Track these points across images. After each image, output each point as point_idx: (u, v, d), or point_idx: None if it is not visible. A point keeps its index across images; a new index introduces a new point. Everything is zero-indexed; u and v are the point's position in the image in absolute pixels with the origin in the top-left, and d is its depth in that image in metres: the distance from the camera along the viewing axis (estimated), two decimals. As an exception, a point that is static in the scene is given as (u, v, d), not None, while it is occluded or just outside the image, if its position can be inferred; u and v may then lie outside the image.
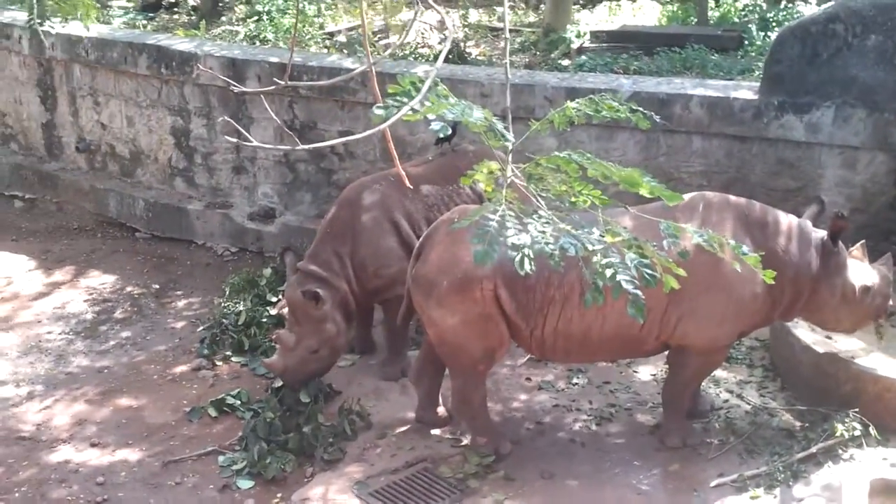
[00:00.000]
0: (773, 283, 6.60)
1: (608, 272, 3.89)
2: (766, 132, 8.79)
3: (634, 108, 4.59)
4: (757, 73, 9.79)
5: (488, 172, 4.28)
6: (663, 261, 4.04)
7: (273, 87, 4.91)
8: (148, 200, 11.87)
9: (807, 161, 8.75)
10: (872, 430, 6.79)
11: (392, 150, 4.34)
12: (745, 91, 9.06)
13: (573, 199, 4.26)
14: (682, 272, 4.13)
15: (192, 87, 11.39)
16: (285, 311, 7.95)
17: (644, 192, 4.26)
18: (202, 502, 7.00)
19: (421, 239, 7.20)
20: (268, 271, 10.02)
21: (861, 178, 8.60)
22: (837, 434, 6.76)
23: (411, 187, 7.38)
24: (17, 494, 7.11)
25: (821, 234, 6.86)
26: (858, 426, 6.79)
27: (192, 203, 11.66)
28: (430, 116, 4.07)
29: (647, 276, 3.94)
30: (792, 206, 8.71)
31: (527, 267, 3.87)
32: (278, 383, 7.92)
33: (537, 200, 4.11)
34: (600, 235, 4.07)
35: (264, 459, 7.17)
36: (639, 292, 3.86)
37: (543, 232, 3.96)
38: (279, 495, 6.96)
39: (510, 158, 4.19)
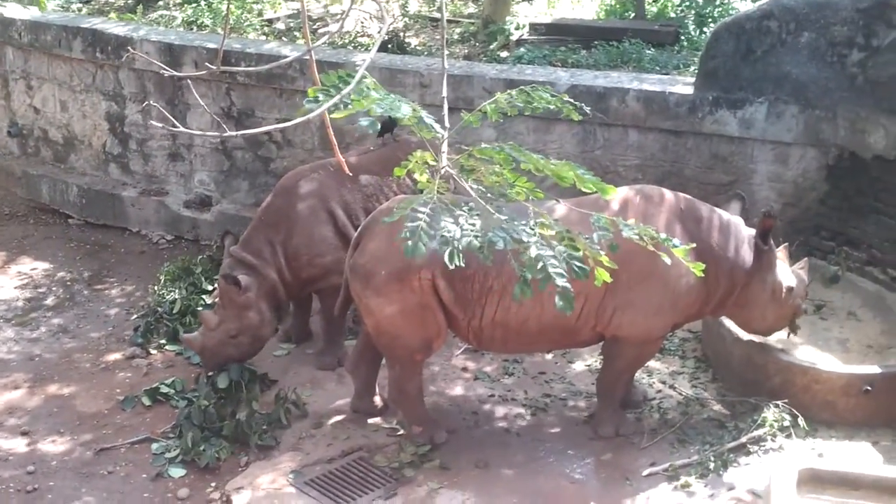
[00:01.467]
0: (706, 276, 6.76)
1: (538, 265, 3.91)
2: (701, 127, 8.91)
3: (566, 99, 4.61)
4: (693, 68, 9.90)
5: (423, 163, 4.28)
6: (595, 254, 4.08)
7: (206, 72, 4.85)
8: (81, 186, 11.70)
9: (740, 156, 8.88)
10: (801, 421, 6.92)
11: (332, 138, 4.34)
12: (681, 86, 9.17)
13: (506, 192, 4.28)
14: (612, 265, 4.17)
15: (127, 71, 11.24)
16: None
17: (579, 185, 4.30)
18: (135, 491, 6.95)
19: (359, 229, 7.19)
20: (203, 259, 9.94)
21: (793, 174, 8.75)
22: (767, 424, 6.89)
23: (351, 175, 7.38)
24: (-55, 483, 7.01)
25: (752, 231, 6.97)
26: (787, 417, 6.93)
27: (126, 190, 11.52)
28: (361, 111, 4.06)
29: (576, 268, 3.97)
30: (725, 199, 8.83)
31: (456, 261, 3.89)
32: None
33: (470, 192, 4.12)
34: (532, 228, 4.09)
35: (198, 447, 7.14)
36: (568, 285, 3.89)
37: (473, 225, 3.98)
38: (213, 484, 6.93)
39: (445, 149, 4.20)
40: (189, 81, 10.15)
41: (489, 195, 4.26)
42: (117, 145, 11.64)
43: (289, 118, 10.33)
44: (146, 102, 11.00)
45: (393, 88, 9.68)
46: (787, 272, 7.08)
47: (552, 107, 4.62)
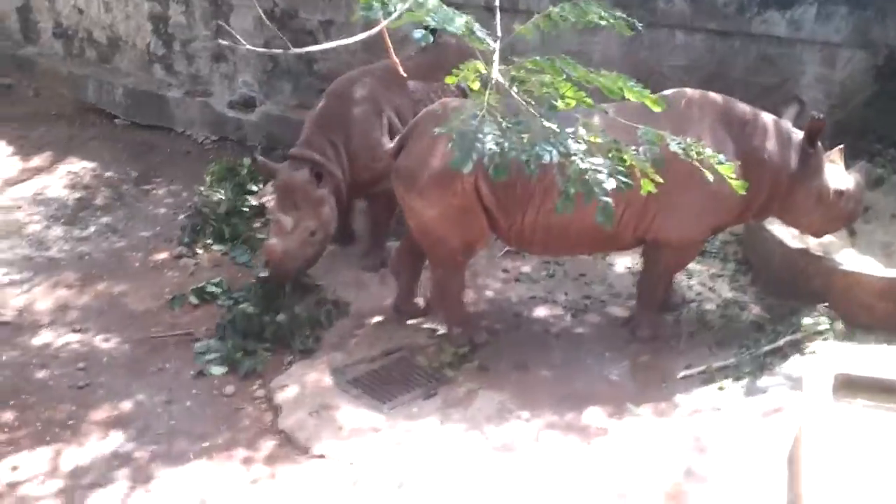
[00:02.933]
0: (749, 180, 6.72)
1: (582, 179, 3.93)
2: (749, 28, 8.76)
3: (618, 14, 4.57)
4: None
5: (475, 71, 4.28)
6: (642, 165, 4.09)
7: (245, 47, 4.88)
8: (126, 87, 11.77)
9: (787, 57, 8.74)
10: (840, 325, 6.93)
11: (388, 44, 4.33)
12: (729, -15, 9.00)
13: (556, 103, 4.27)
14: (659, 179, 4.19)
15: (170, -29, 11.23)
16: (272, 204, 7.94)
17: (628, 95, 4.30)
18: (183, 387, 7.14)
19: (404, 131, 7.21)
20: (248, 160, 10.01)
21: (840, 76, 8.61)
22: (804, 327, 6.90)
23: (405, 76, 7.34)
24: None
25: (800, 134, 6.90)
26: (826, 320, 6.93)
27: (171, 90, 11.57)
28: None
29: (621, 182, 4.00)
30: (771, 102, 8.71)
31: (501, 174, 3.92)
32: (262, 274, 7.97)
33: (520, 103, 4.12)
34: (578, 140, 4.10)
35: (237, 354, 7.28)
36: (609, 200, 3.92)
37: (521, 137, 3.99)
38: (258, 382, 7.10)
39: (496, 59, 4.19)
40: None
41: (539, 106, 4.26)
42: (161, 46, 11.67)
43: (332, 19, 10.37)
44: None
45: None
46: (839, 175, 7.00)
47: (603, 22, 4.57)
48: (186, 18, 11.31)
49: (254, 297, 7.73)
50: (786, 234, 7.38)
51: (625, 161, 4.18)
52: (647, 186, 4.22)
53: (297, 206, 7.52)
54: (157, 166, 10.67)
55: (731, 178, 4.47)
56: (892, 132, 8.38)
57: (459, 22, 4.10)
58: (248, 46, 4.52)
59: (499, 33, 4.31)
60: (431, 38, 4.19)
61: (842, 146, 7.22)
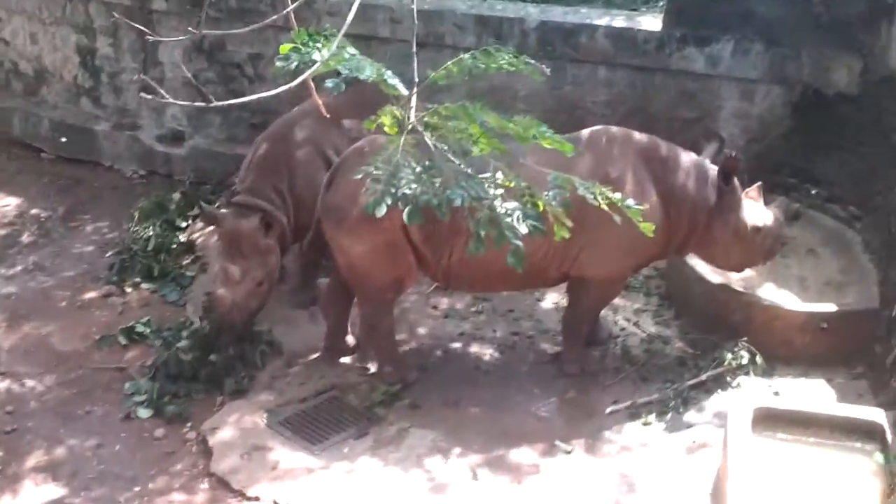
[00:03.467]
0: (669, 216, 6.91)
1: (493, 222, 4.04)
2: (669, 64, 8.97)
3: (528, 61, 4.69)
4: (661, 2, 9.93)
5: (392, 117, 4.37)
6: (554, 210, 4.21)
7: (186, 37, 4.93)
8: (53, 120, 11.68)
9: (706, 92, 8.97)
10: (759, 359, 7.13)
11: (312, 88, 4.41)
12: (650, 22, 9.22)
13: (470, 148, 4.39)
14: (569, 223, 4.30)
15: (97, 4, 11.16)
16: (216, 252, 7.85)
17: (541, 142, 4.42)
18: (112, 430, 7.12)
19: (332, 167, 7.29)
20: (177, 195, 10.01)
21: (758, 110, 8.86)
22: (726, 362, 7.10)
23: (336, 116, 7.40)
24: (-77, 424, 7.16)
25: (714, 174, 7.10)
26: (746, 355, 7.14)
27: (99, 123, 11.51)
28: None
29: (532, 226, 4.11)
30: (691, 135, 8.94)
31: (416, 218, 4.02)
32: (195, 319, 8.00)
33: (434, 147, 4.23)
34: (491, 184, 4.20)
35: (164, 399, 7.27)
36: (519, 243, 4.03)
37: (433, 183, 4.09)
38: (189, 424, 7.10)
39: (413, 104, 4.30)
40: (159, 16, 10.09)
41: (453, 150, 4.37)
42: (88, 78, 11.61)
43: (260, 53, 10.40)
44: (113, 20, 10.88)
45: (364, 24, 9.70)
46: (757, 211, 7.21)
47: (512, 68, 4.69)
48: (114, 51, 11.27)
49: (187, 339, 7.70)
50: (706, 269, 7.58)
51: (538, 206, 4.29)
52: (561, 232, 4.33)
53: (244, 255, 7.43)
54: (84, 202, 10.59)
55: (639, 221, 4.59)
56: (808, 167, 8.64)
57: (369, 70, 4.21)
58: (170, 99, 4.54)
59: (415, 77, 4.43)
60: (343, 87, 4.29)
61: (760, 183, 7.42)
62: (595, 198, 4.53)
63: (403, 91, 4.41)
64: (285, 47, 4.14)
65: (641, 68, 9.10)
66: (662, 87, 9.08)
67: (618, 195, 4.57)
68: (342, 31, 4.24)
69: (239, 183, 8.01)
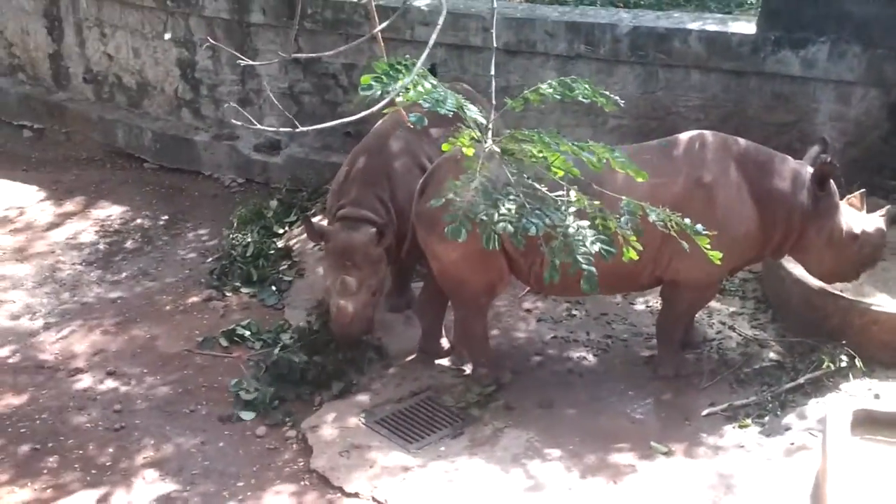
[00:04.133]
0: (763, 221, 6.89)
1: (567, 250, 4.13)
2: (763, 67, 8.93)
3: (604, 93, 4.75)
4: (756, 5, 9.88)
5: (470, 139, 4.49)
6: (625, 233, 4.28)
7: (277, 60, 5.14)
8: (155, 131, 12.06)
9: (802, 95, 8.90)
10: (858, 362, 7.06)
11: (402, 111, 4.55)
12: (743, 25, 9.18)
13: (544, 174, 4.48)
14: (639, 247, 4.38)
15: (197, 18, 11.50)
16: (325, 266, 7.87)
17: (615, 167, 4.53)
18: (216, 428, 7.31)
19: (424, 175, 7.41)
20: (274, 203, 10.28)
21: (855, 113, 8.76)
22: (824, 365, 7.04)
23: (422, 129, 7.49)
24: (38, 422, 7.42)
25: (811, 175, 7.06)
26: (845, 358, 7.07)
27: (198, 134, 11.84)
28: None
29: (603, 251, 4.19)
30: (787, 139, 8.92)
31: (493, 244, 4.13)
32: (292, 325, 8.21)
33: (512, 172, 4.34)
34: (564, 211, 4.29)
35: (272, 403, 7.42)
36: (593, 269, 4.12)
37: (510, 209, 4.19)
38: (289, 422, 7.26)
39: (490, 129, 4.41)
40: (256, 28, 10.30)
41: (529, 175, 4.47)
42: (189, 91, 11.94)
43: (354, 63, 10.60)
44: (204, 45, 11.19)
45: (456, 33, 9.84)
46: (856, 218, 7.13)
47: (585, 99, 4.75)
48: (213, 63, 11.58)
49: (298, 343, 7.89)
50: (803, 272, 7.52)
51: (609, 228, 4.37)
52: (630, 254, 4.41)
53: (357, 266, 7.47)
54: (185, 210, 10.91)
55: (707, 249, 4.61)
56: (907, 169, 8.54)
57: (451, 103, 4.32)
58: (259, 126, 4.81)
59: (493, 101, 4.55)
60: (425, 122, 4.40)
61: (864, 190, 7.33)
62: (665, 225, 4.59)
63: (482, 120, 4.53)
64: (366, 79, 4.30)
65: (735, 72, 9.06)
66: (757, 90, 9.03)
67: (687, 221, 4.60)
68: (425, 54, 4.39)
69: (335, 196, 8.02)
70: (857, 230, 7.06)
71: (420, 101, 4.28)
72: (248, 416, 7.39)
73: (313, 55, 5.66)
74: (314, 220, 8.39)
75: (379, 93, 4.19)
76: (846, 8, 8.56)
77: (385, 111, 4.55)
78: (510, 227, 4.15)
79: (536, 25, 9.64)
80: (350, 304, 7.48)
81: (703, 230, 4.64)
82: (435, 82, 4.38)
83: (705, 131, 7.35)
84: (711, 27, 9.17)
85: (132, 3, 11.91)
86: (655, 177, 6.38)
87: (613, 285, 7.28)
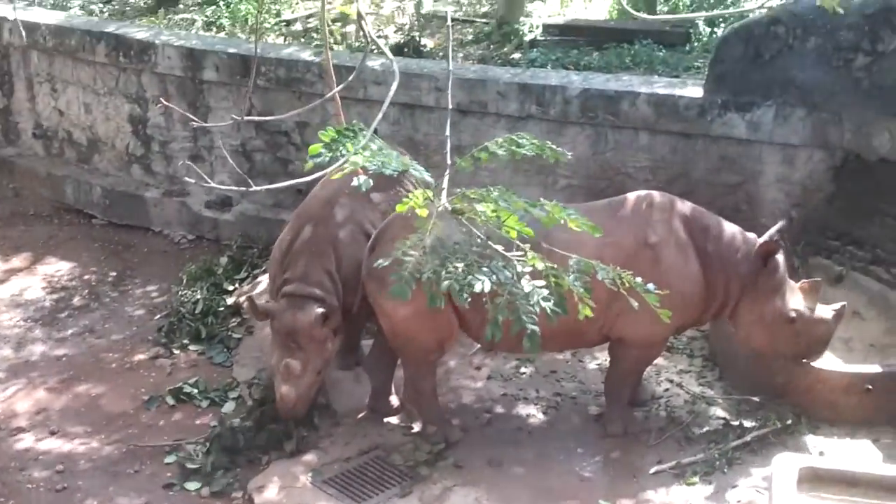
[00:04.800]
0: (707, 284, 6.95)
1: (511, 307, 4.15)
2: (710, 129, 9.06)
3: (548, 145, 4.82)
4: (703, 69, 10.06)
5: (424, 199, 4.51)
6: (577, 291, 4.30)
7: (228, 123, 5.18)
8: (105, 187, 11.99)
9: (748, 157, 9.04)
10: (803, 420, 7.13)
11: (357, 176, 4.58)
12: (691, 89, 9.34)
13: (496, 231, 4.51)
14: (592, 304, 4.39)
15: (150, 75, 11.51)
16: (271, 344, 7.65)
17: (570, 224, 4.55)
18: (160, 489, 7.22)
19: (375, 233, 7.43)
20: (224, 260, 10.26)
21: (800, 175, 8.91)
22: (770, 423, 7.10)
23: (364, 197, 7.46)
24: (-22, 481, 7.31)
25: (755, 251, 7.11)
26: (791, 416, 7.13)
27: (149, 190, 11.80)
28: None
29: (549, 311, 4.19)
30: (733, 200, 9.05)
31: (438, 303, 4.14)
32: (240, 384, 8.18)
33: (461, 231, 4.37)
34: (512, 269, 4.31)
35: (215, 473, 7.29)
36: (536, 328, 4.13)
37: (456, 267, 4.21)
38: (235, 484, 7.17)
39: (445, 188, 4.45)
40: (209, 86, 10.35)
41: (480, 235, 4.50)
42: (140, 147, 11.92)
43: (307, 122, 10.64)
44: (158, 103, 11.21)
45: (408, 92, 9.92)
46: (797, 305, 7.07)
47: (532, 153, 4.81)
48: (165, 120, 11.58)
49: (244, 416, 7.74)
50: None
51: (562, 286, 4.39)
52: (585, 311, 4.41)
53: (302, 347, 7.30)
54: (134, 266, 10.82)
55: (656, 307, 4.64)
56: (851, 230, 8.65)
57: (396, 164, 4.35)
58: (212, 184, 4.82)
59: (448, 161, 4.59)
60: (371, 183, 4.42)
61: (820, 280, 7.27)
62: (615, 283, 4.62)
63: (430, 180, 4.57)
64: (315, 148, 4.33)
65: (683, 134, 9.20)
66: (704, 152, 9.17)
67: (638, 280, 4.62)
68: (380, 115, 4.44)
69: (278, 266, 7.79)
70: (792, 316, 7.05)
71: (366, 165, 4.30)
72: (192, 486, 7.26)
73: (267, 118, 5.69)
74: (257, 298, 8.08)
75: (328, 160, 4.23)
76: (790, 73, 8.74)
77: (334, 176, 4.56)
78: (455, 285, 4.16)
79: (488, 86, 9.75)
80: (293, 389, 7.24)
81: (654, 289, 4.68)
82: (381, 144, 4.42)
83: (653, 191, 7.45)
84: (660, 90, 9.32)
85: (84, 58, 11.91)
86: (603, 236, 6.43)
87: (562, 343, 7.31)
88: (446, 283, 4.17)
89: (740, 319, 7.19)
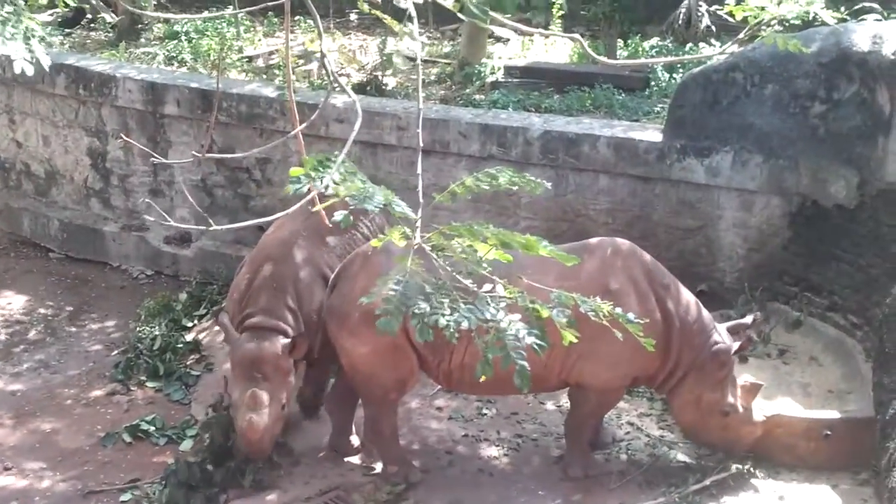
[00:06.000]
0: (664, 340, 6.95)
1: (498, 346, 4.16)
2: (669, 174, 9.19)
3: (530, 178, 4.85)
4: (662, 114, 10.20)
5: (401, 233, 4.51)
6: (559, 321, 4.32)
7: (189, 160, 5.15)
8: (63, 220, 11.91)
9: (707, 202, 9.17)
10: (764, 464, 7.19)
11: (324, 216, 4.57)
12: (650, 133, 9.47)
13: (474, 268, 4.53)
14: (575, 335, 4.41)
15: (109, 108, 11.47)
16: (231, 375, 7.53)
17: (544, 254, 4.56)
18: (116, 528, 7.15)
19: (336, 272, 7.44)
20: (183, 296, 10.20)
21: (757, 220, 9.04)
22: (731, 468, 7.15)
23: (327, 238, 7.50)
24: (-72, 520, 7.17)
25: (719, 336, 7.18)
26: (750, 460, 7.19)
27: (107, 224, 11.72)
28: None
29: (535, 346, 4.21)
30: (692, 244, 9.18)
31: (426, 336, 4.14)
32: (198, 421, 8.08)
33: (441, 268, 4.38)
34: (495, 308, 4.32)
35: None
36: (525, 364, 4.15)
37: (441, 303, 4.22)
38: (194, 523, 7.12)
39: (419, 226, 4.46)
40: (170, 120, 10.32)
41: (457, 270, 4.52)
42: (99, 180, 11.84)
43: (268, 157, 10.65)
44: (118, 138, 11.17)
45: (371, 130, 9.97)
46: (735, 403, 7.11)
47: (515, 186, 4.83)
48: (124, 154, 11.52)
49: (202, 441, 7.71)
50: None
51: (541, 318, 4.40)
52: (568, 337, 4.42)
53: (267, 377, 7.25)
54: (91, 301, 10.74)
55: (640, 336, 4.68)
56: (808, 276, 8.78)
57: (378, 199, 4.34)
58: (172, 222, 4.78)
59: (420, 199, 4.60)
60: (351, 220, 4.42)
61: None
62: (597, 314, 4.64)
63: (412, 215, 4.58)
64: (296, 171, 4.33)
65: (642, 178, 9.31)
66: (663, 195, 9.28)
67: (619, 310, 4.66)
68: (344, 151, 4.45)
69: (237, 305, 7.78)
70: (727, 411, 7.12)
71: (347, 199, 4.29)
72: None
73: (229, 155, 5.67)
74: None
75: (306, 189, 4.21)
76: (748, 119, 8.90)
77: (311, 207, 4.53)
78: (443, 320, 4.16)
79: (451, 126, 9.82)
80: (261, 418, 7.15)
81: (632, 318, 4.69)
82: (364, 179, 4.41)
83: (619, 239, 7.47)
84: (620, 133, 9.44)
85: (43, 90, 11.83)
86: (563, 280, 6.48)
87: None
88: (434, 317, 4.17)
89: (678, 396, 7.25)
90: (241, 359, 7.34)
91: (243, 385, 7.24)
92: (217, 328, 9.14)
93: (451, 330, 4.14)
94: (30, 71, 5.72)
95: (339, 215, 4.34)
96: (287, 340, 7.34)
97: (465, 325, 4.15)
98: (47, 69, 5.97)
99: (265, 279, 7.73)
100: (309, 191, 4.22)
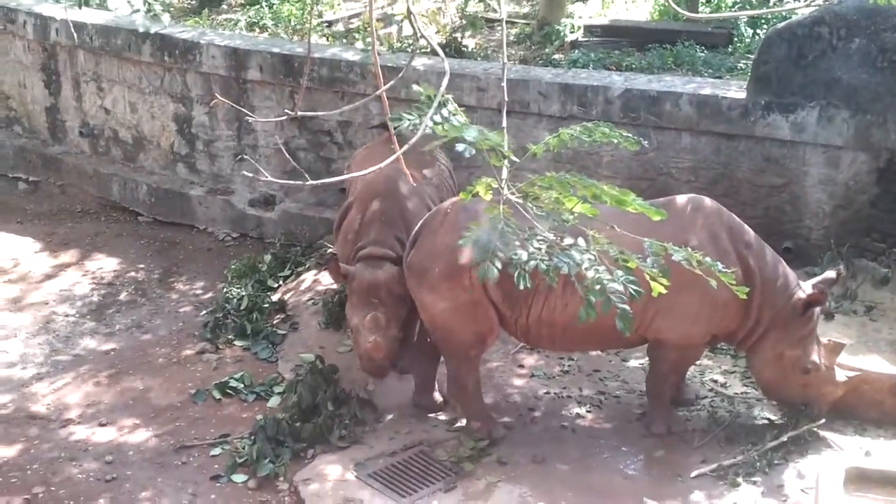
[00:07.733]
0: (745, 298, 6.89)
1: (598, 288, 4.18)
2: (753, 130, 9.08)
3: (623, 133, 4.86)
4: (746, 70, 10.06)
5: (487, 185, 4.56)
6: (649, 271, 4.33)
7: (281, 117, 5.25)
8: (150, 185, 12.17)
9: (792, 159, 9.05)
10: (850, 420, 7.13)
11: (403, 166, 4.63)
12: (734, 90, 9.36)
13: (564, 217, 4.55)
14: (665, 283, 4.41)
15: (194, 74, 11.65)
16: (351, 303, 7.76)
17: (631, 209, 4.57)
18: (207, 480, 7.31)
19: (416, 228, 7.51)
20: (268, 257, 10.39)
21: (844, 177, 8.90)
22: (815, 424, 7.09)
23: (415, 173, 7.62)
24: (29, 472, 7.43)
25: (802, 293, 7.07)
26: (822, 416, 7.11)
27: (193, 189, 11.95)
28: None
29: (633, 291, 4.24)
30: (777, 201, 9.07)
31: (525, 283, 4.17)
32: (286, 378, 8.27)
33: (531, 218, 4.40)
34: (590, 253, 4.35)
35: (262, 460, 7.37)
36: (627, 307, 4.17)
37: (539, 248, 4.25)
38: (281, 477, 7.26)
39: (505, 175, 4.49)
40: (253, 85, 10.43)
41: (550, 219, 4.54)
42: (185, 146, 12.07)
43: (350, 121, 10.75)
44: (212, 100, 11.34)
45: (451, 92, 9.92)
46: (817, 359, 7.06)
47: (612, 140, 4.85)
48: (209, 119, 11.72)
49: (290, 398, 7.91)
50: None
51: (631, 269, 4.42)
52: (658, 288, 4.43)
53: (383, 302, 7.55)
54: (179, 263, 10.99)
55: (732, 285, 4.67)
56: (895, 232, 8.63)
57: (494, 138, 4.38)
58: (269, 177, 4.86)
59: (506, 147, 4.62)
60: (473, 151, 4.46)
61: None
62: (690, 263, 4.64)
63: (508, 163, 4.59)
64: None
65: (726, 135, 9.21)
66: (747, 153, 9.18)
67: (708, 259, 4.66)
68: (434, 106, 4.49)
69: (350, 244, 8.03)
70: (809, 368, 7.05)
71: (462, 135, 4.33)
72: (239, 478, 7.34)
73: (317, 113, 5.74)
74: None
75: (408, 125, 4.30)
76: (835, 74, 8.74)
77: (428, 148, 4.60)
78: (542, 265, 4.21)
79: (531, 86, 9.80)
80: (382, 339, 7.50)
81: (723, 268, 4.69)
82: (463, 118, 4.46)
83: (704, 197, 7.37)
84: (702, 91, 9.34)
85: (130, 58, 12.07)
86: (644, 234, 6.44)
87: (601, 342, 7.36)
88: (533, 263, 4.21)
89: (759, 353, 7.18)
90: (357, 286, 7.65)
91: (362, 311, 7.56)
92: (323, 274, 9.28)
93: (551, 275, 4.18)
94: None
95: (461, 146, 4.34)
96: (398, 267, 7.58)
97: (564, 269, 4.19)
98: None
99: (374, 213, 8.06)
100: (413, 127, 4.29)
